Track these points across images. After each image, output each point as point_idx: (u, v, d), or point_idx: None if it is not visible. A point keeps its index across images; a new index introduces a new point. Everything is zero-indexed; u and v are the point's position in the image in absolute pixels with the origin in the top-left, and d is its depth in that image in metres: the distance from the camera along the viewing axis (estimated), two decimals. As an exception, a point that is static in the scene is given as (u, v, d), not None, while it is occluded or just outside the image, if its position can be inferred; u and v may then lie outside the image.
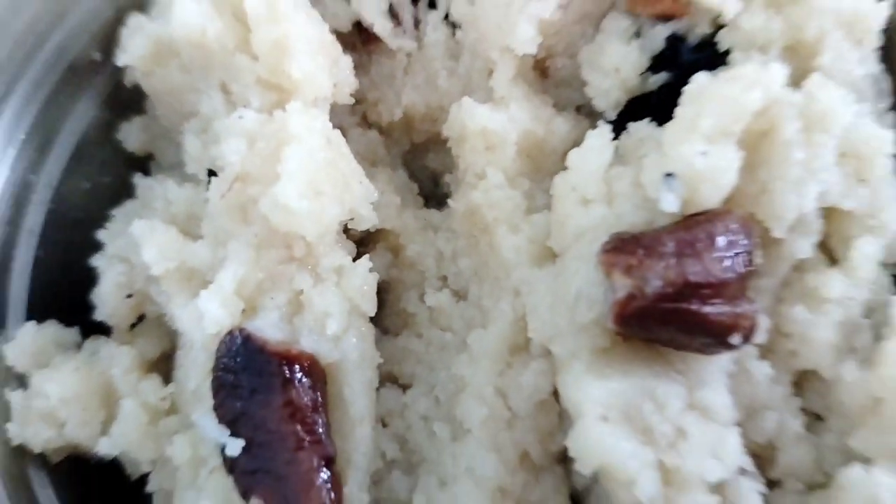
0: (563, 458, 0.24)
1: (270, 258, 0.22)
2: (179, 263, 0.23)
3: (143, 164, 0.30)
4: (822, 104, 0.21)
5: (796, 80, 0.23)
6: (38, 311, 0.28)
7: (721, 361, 0.22)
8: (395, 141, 0.28)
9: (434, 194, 0.29)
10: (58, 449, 0.26)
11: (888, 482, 0.21)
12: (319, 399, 0.22)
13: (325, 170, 0.23)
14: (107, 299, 0.26)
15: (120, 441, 0.25)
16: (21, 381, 0.27)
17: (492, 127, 0.25)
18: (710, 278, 0.20)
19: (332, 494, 0.21)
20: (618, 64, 0.25)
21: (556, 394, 0.24)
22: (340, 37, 0.28)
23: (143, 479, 0.27)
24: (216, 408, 0.22)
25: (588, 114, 0.28)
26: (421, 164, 0.30)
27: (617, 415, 0.20)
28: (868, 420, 0.22)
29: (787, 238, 0.22)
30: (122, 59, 0.27)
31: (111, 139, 0.29)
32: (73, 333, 0.28)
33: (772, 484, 0.24)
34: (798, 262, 0.23)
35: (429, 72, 0.27)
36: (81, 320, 0.28)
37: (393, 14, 0.26)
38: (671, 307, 0.20)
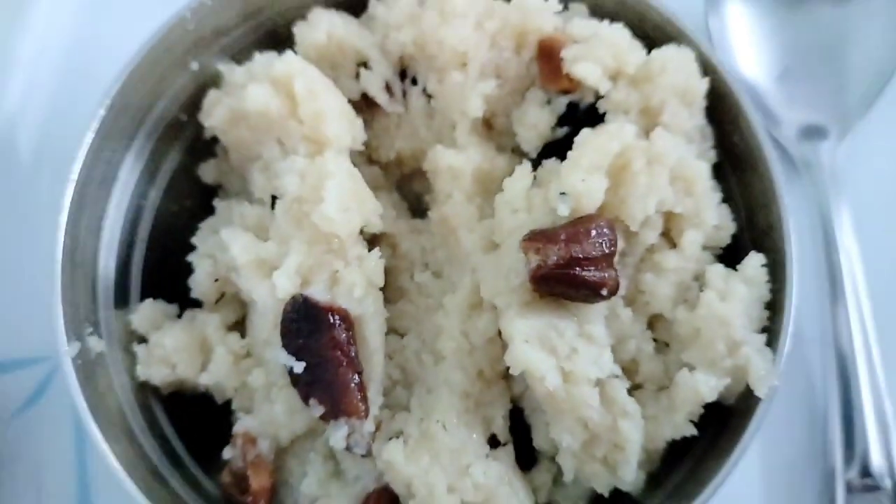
0: (506, 375, 0.33)
1: (317, 251, 0.32)
2: (255, 256, 0.33)
3: (214, 192, 0.40)
4: (659, 147, 0.32)
5: (647, 131, 0.34)
6: (149, 294, 0.38)
7: (599, 308, 0.32)
8: (390, 173, 0.38)
9: (418, 209, 0.39)
10: (169, 384, 0.35)
11: (704, 378, 0.31)
12: (350, 337, 0.31)
13: (350, 194, 0.33)
14: (200, 283, 0.35)
15: (214, 376, 0.34)
16: (142, 340, 0.36)
17: (455, 164, 0.35)
18: (587, 255, 0.30)
19: (360, 394, 0.31)
20: (536, 122, 0.35)
21: (499, 333, 0.33)
22: (353, 104, 0.38)
23: (227, 404, 0.36)
24: (284, 345, 0.31)
25: (518, 154, 0.37)
26: (409, 189, 0.39)
27: (534, 340, 0.30)
28: (692, 343, 0.32)
29: (640, 231, 0.33)
30: (206, 122, 0.37)
31: (193, 175, 0.39)
32: (174, 308, 0.37)
33: (635, 387, 0.33)
34: (649, 246, 0.33)
35: (413, 127, 0.37)
36: (179, 300, 0.38)
37: (388, 89, 0.36)
38: (563, 272, 0.30)
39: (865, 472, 0.37)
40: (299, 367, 0.30)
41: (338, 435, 0.30)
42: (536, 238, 0.31)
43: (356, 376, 0.31)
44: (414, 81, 0.37)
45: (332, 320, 0.31)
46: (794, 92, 0.42)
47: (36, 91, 0.44)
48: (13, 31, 0.46)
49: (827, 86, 0.43)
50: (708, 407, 0.33)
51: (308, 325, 0.30)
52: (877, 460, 0.37)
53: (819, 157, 0.41)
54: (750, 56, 0.43)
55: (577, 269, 0.30)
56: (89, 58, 0.44)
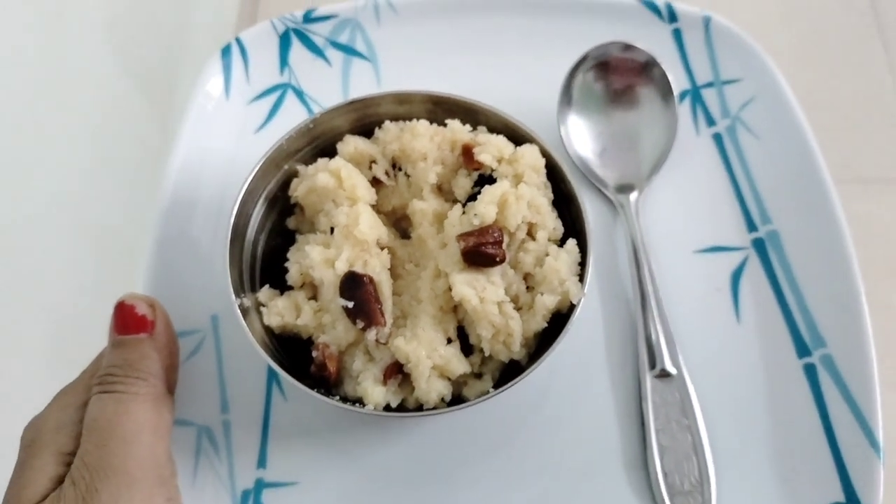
0: (454, 309, 0.48)
1: (356, 251, 0.47)
2: (323, 257, 0.48)
3: (293, 234, 0.56)
4: (522, 191, 0.46)
5: (517, 185, 0.50)
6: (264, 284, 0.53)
7: (497, 269, 0.49)
8: (389, 218, 0.54)
9: (407, 235, 0.55)
10: (279, 326, 0.47)
11: (549, 297, 0.49)
12: (374, 288, 0.47)
13: (372, 222, 0.49)
14: (292, 276, 0.50)
15: (304, 320, 0.47)
16: (263, 307, 0.51)
17: (423, 208, 0.49)
18: (487, 241, 0.45)
19: (381, 314, 0.47)
20: (463, 185, 0.53)
21: (449, 289, 0.49)
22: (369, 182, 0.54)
23: (309, 343, 0.51)
24: (341, 295, 0.46)
25: (455, 202, 0.54)
26: (399, 226, 0.56)
27: (465, 284, 0.45)
28: (542, 283, 0.50)
29: (516, 233, 0.50)
30: (293, 194, 0.54)
31: (283, 225, 0.55)
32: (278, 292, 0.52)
33: (517, 308, 0.50)
34: (520, 240, 0.51)
35: (400, 192, 0.54)
36: (281, 290, 0.53)
37: (386, 174, 0.53)
38: (476, 250, 0.45)
39: (662, 372, 0.55)
40: (350, 304, 0.47)
41: (371, 334, 0.47)
42: (463, 236, 0.49)
43: (378, 306, 0.48)
44: (400, 169, 0.55)
45: (365, 280, 0.47)
46: (609, 163, 0.62)
47: (195, 163, 0.61)
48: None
49: (628, 162, 0.62)
50: (553, 319, 0.50)
51: (353, 284, 0.47)
52: (668, 365, 0.55)
53: (629, 202, 0.60)
54: (583, 144, 0.62)
55: (483, 248, 0.48)
56: (237, 165, 0.60)
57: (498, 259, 0.49)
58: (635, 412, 0.54)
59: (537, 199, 0.51)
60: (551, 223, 0.52)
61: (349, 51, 0.63)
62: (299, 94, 0.62)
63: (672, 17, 0.62)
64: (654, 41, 0.63)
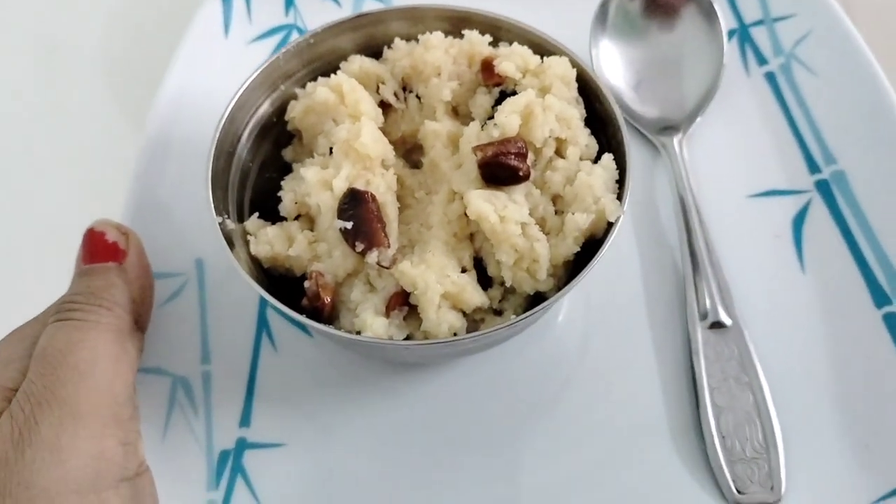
0: (470, 237, 0.45)
1: (357, 168, 0.43)
2: (321, 178, 0.43)
3: (290, 166, 0.51)
4: (549, 102, 0.43)
5: (543, 95, 0.46)
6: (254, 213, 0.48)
7: (520, 187, 0.44)
8: (398, 147, 0.50)
9: (419, 164, 0.50)
10: (268, 258, 0.44)
11: (581, 216, 0.43)
12: (377, 206, 0.42)
13: (376, 136, 0.45)
14: (285, 206, 0.46)
15: (296, 250, 0.43)
16: (251, 236, 0.46)
17: (437, 129, 0.46)
18: (509, 151, 0.42)
19: (384, 234, 0.41)
20: (482, 103, 0.48)
21: (465, 213, 0.44)
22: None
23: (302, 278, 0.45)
24: (339, 216, 0.41)
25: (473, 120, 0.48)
26: (409, 157, 0.51)
27: (482, 200, 0.41)
28: (573, 202, 0.44)
29: (543, 148, 0.44)
30: (289, 115, 0.49)
31: (278, 156, 0.51)
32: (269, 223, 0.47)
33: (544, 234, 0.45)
34: (548, 158, 0.46)
35: (410, 116, 0.49)
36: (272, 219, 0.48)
37: (395, 95, 0.49)
38: (495, 160, 0.41)
39: (716, 323, 0.50)
40: (348, 225, 0.42)
41: (372, 256, 0.42)
42: (481, 146, 0.44)
43: (381, 226, 0.43)
44: (410, 91, 0.51)
45: (367, 197, 0.43)
46: (648, 98, 0.58)
47: (185, 101, 0.58)
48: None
49: (673, 96, 0.58)
50: (586, 247, 0.45)
51: (353, 202, 0.42)
52: (722, 315, 0.50)
53: (672, 145, 0.56)
54: (617, 73, 0.58)
55: (504, 158, 0.43)
56: (220, 85, 0.52)
57: (521, 173, 0.44)
58: (685, 368, 0.49)
59: (567, 111, 0.46)
60: (584, 139, 0.47)
61: (361, -11, 0.58)
62: (304, 36, 0.56)
63: (716, -50, 0.56)
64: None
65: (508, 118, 0.45)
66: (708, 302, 0.50)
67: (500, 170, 0.44)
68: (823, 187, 0.55)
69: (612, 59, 0.58)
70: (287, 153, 0.52)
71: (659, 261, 0.52)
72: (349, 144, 0.45)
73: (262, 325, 0.50)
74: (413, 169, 0.51)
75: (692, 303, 0.50)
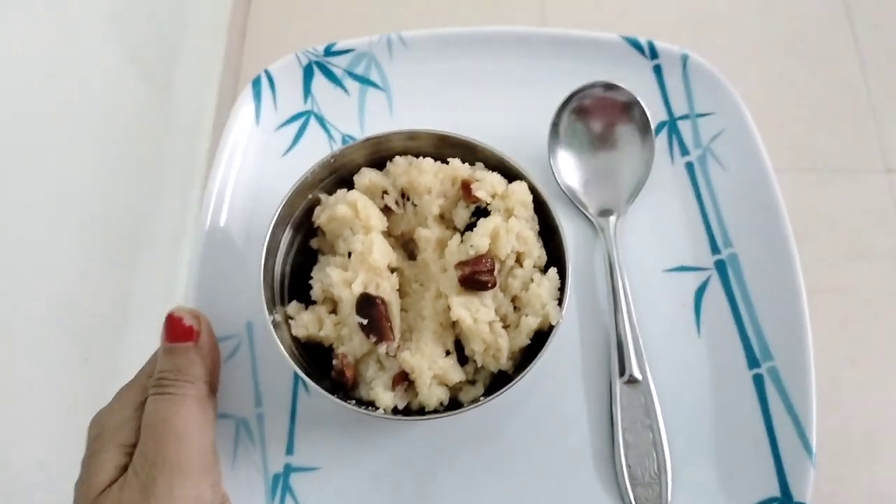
0: (452, 325, 0.56)
1: (370, 275, 0.54)
2: (342, 278, 0.54)
3: (317, 253, 0.62)
4: (511, 225, 0.54)
5: (508, 219, 0.55)
6: (293, 299, 0.59)
7: (489, 293, 0.54)
8: (398, 241, 0.60)
9: (413, 255, 0.61)
10: (305, 336, 0.56)
11: (532, 318, 0.61)
12: (385, 308, 0.52)
13: (384, 250, 0.54)
14: (316, 293, 0.56)
15: (325, 332, 0.49)
16: (291, 318, 0.57)
17: (427, 235, 0.55)
18: (481, 270, 0.53)
19: (391, 331, 0.52)
20: (462, 215, 0.58)
21: (448, 308, 0.55)
22: (380, 210, 0.60)
23: (330, 350, 0.57)
24: (357, 313, 0.50)
25: (455, 230, 0.56)
26: (409, 249, 0.61)
27: (462, 306, 0.53)
28: (527, 306, 0.55)
29: (506, 260, 0.55)
30: (316, 220, 0.59)
31: (307, 245, 0.61)
32: (303, 306, 0.59)
33: (505, 326, 0.56)
34: (509, 267, 0.56)
35: (408, 219, 0.59)
36: (306, 303, 0.59)
37: (396, 203, 0.58)
38: (471, 277, 0.53)
39: (631, 378, 0.60)
40: (364, 321, 0.53)
41: (382, 348, 0.53)
42: (460, 265, 0.54)
43: (389, 325, 0.53)
44: (408, 199, 0.60)
45: (377, 302, 0.53)
46: (592, 192, 0.68)
47: (230, 188, 0.68)
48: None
49: (610, 190, 0.67)
50: (536, 337, 0.56)
51: (367, 304, 0.53)
52: (636, 372, 0.61)
53: (608, 225, 0.65)
54: (570, 175, 0.68)
55: (477, 275, 0.54)
56: (266, 185, 0.68)
57: (490, 285, 0.56)
58: (606, 414, 0.61)
59: (524, 231, 0.57)
60: (536, 252, 0.58)
61: (365, 81, 0.71)
62: (320, 119, 0.70)
63: (653, 53, 0.70)
64: (636, 76, 0.68)
65: (481, 240, 0.55)
66: (626, 361, 0.63)
67: (474, 284, 0.58)
68: (721, 266, 0.65)
69: (565, 164, 0.66)
70: (314, 243, 0.62)
71: (592, 323, 0.65)
72: (364, 257, 0.56)
73: (299, 376, 0.66)
74: (411, 260, 0.61)
75: (615, 362, 0.61)
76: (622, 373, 0.62)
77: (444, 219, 0.62)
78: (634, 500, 0.58)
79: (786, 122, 1.22)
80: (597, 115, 0.73)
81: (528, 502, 0.57)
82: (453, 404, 0.57)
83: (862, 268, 1.14)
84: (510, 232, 0.57)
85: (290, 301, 0.61)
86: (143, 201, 0.93)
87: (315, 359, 0.58)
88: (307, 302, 0.60)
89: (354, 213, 0.59)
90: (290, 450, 0.59)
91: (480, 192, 0.59)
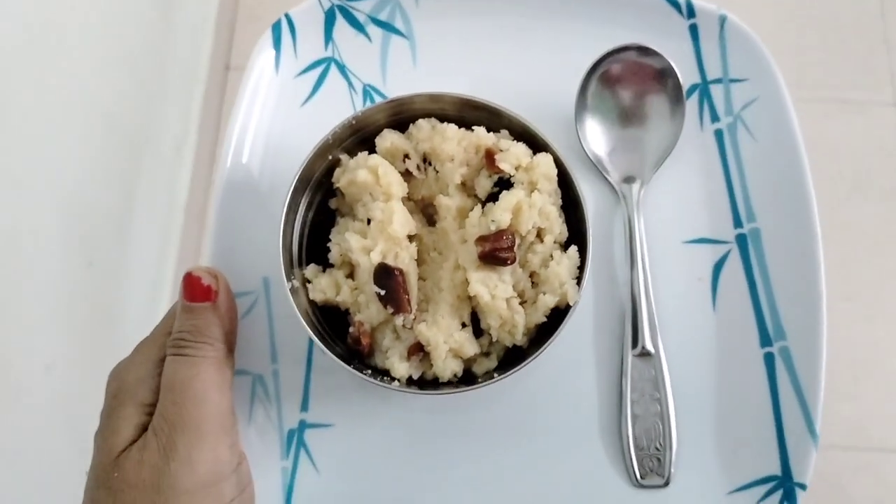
0: (469, 297, 0.56)
1: (389, 244, 0.53)
2: (361, 245, 0.53)
3: (335, 212, 0.61)
4: (534, 200, 0.54)
5: (530, 192, 0.55)
6: (311, 261, 0.58)
7: (508, 269, 0.54)
8: (417, 206, 0.59)
9: (433, 221, 0.60)
10: (322, 301, 0.56)
11: (550, 297, 0.65)
12: (403, 279, 0.51)
13: (404, 219, 0.53)
14: (333, 256, 0.56)
15: (343, 297, 0.56)
16: (308, 281, 0.57)
17: (448, 203, 0.55)
18: (501, 246, 0.53)
19: (408, 303, 0.52)
20: (484, 185, 0.58)
21: (467, 280, 0.55)
22: (401, 174, 0.59)
23: (346, 313, 0.58)
24: (375, 283, 0.53)
25: (477, 199, 0.60)
26: (427, 213, 0.61)
27: (480, 281, 0.53)
28: (545, 283, 0.55)
29: (526, 236, 0.55)
30: (336, 183, 0.58)
31: (326, 205, 0.61)
32: (321, 268, 0.58)
33: (522, 302, 0.56)
34: (529, 243, 0.56)
35: (429, 185, 0.58)
36: (323, 264, 0.59)
37: (418, 167, 0.57)
38: (491, 253, 0.53)
39: (643, 351, 0.62)
40: (381, 291, 0.53)
41: (398, 319, 0.53)
42: (480, 240, 0.54)
43: (406, 295, 0.53)
44: (430, 164, 0.60)
45: (395, 273, 0.53)
46: (618, 160, 0.67)
47: (249, 137, 0.68)
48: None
49: (635, 158, 0.66)
50: (552, 314, 0.57)
51: (385, 274, 0.53)
52: (648, 345, 0.62)
53: (631, 193, 0.65)
54: (596, 142, 0.67)
55: (498, 252, 0.54)
56: (286, 137, 0.68)
57: (509, 262, 0.55)
58: (615, 384, 0.62)
59: (547, 206, 0.56)
60: (557, 228, 0.57)
61: (389, 27, 0.69)
62: (341, 68, 0.68)
63: (690, 12, 0.68)
64: (671, 35, 0.67)
65: (503, 215, 0.55)
66: (640, 334, 0.63)
67: (494, 259, 0.59)
68: (741, 241, 0.65)
69: (592, 132, 0.66)
70: (332, 203, 0.62)
71: (608, 293, 0.65)
72: (383, 226, 0.56)
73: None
74: (430, 226, 0.61)
75: (628, 334, 0.62)
76: (634, 345, 0.62)
77: (466, 187, 0.61)
78: (638, 470, 0.59)
79: (792, 47, 1.17)
80: (627, 82, 0.72)
81: (536, 470, 0.59)
82: (467, 375, 0.57)
83: (863, 205, 1.13)
84: (533, 207, 0.57)
85: (307, 262, 0.61)
86: (145, 105, 0.92)
87: (331, 320, 0.59)
88: (325, 264, 0.60)
89: (375, 178, 0.58)
90: (304, 406, 0.60)
91: (504, 164, 0.58)
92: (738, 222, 0.64)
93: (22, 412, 0.71)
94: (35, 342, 0.75)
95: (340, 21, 0.74)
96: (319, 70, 0.74)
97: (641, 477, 0.59)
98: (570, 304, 0.56)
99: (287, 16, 0.74)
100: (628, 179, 0.66)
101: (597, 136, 0.65)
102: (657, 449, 0.60)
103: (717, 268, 0.64)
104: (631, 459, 0.59)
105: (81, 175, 0.84)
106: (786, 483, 0.56)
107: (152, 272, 0.96)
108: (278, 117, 0.61)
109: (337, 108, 0.63)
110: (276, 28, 0.74)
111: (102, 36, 0.82)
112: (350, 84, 0.66)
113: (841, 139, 1.16)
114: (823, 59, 1.18)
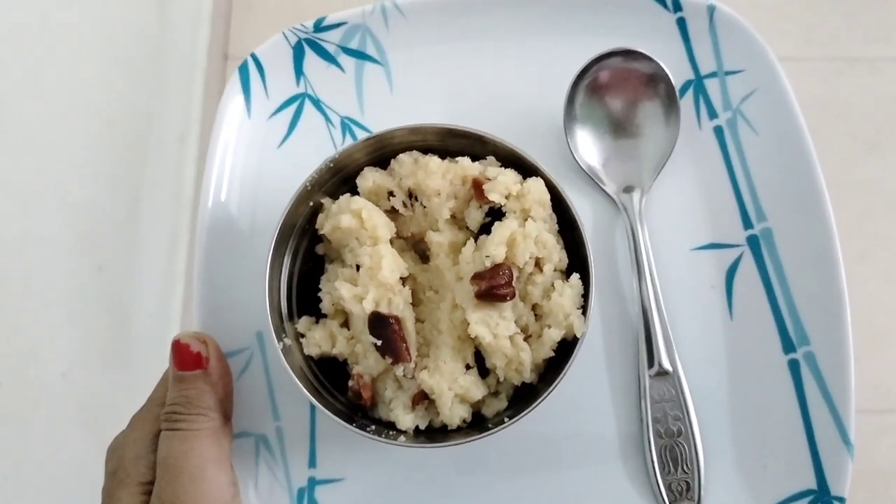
0: (470, 338, 0.54)
1: (381, 290, 0.50)
2: (352, 294, 0.51)
3: (323, 259, 0.59)
4: (529, 229, 0.52)
5: (524, 220, 0.53)
6: (302, 313, 0.57)
7: (508, 304, 0.52)
8: (408, 243, 0.57)
9: (426, 257, 0.58)
10: (318, 354, 0.55)
11: (555, 331, 0.60)
12: (399, 326, 0.50)
13: (393, 263, 0.51)
14: (325, 306, 0.54)
15: (339, 349, 0.54)
16: (301, 335, 0.56)
17: (439, 240, 0.56)
18: (499, 282, 0.51)
19: (406, 351, 0.50)
20: (475, 216, 0.56)
21: (466, 319, 0.53)
22: (386, 213, 0.52)
23: (344, 363, 0.56)
24: (370, 333, 0.51)
25: (468, 231, 0.59)
26: (419, 249, 0.59)
27: (480, 321, 0.52)
28: (549, 316, 0.54)
29: (524, 268, 0.53)
30: (320, 229, 0.56)
31: (313, 251, 0.58)
32: (313, 319, 0.57)
33: (526, 337, 0.55)
34: (528, 274, 0.54)
35: (417, 221, 0.55)
36: (316, 315, 0.58)
37: (403, 204, 0.55)
38: (488, 291, 0.51)
39: (660, 370, 0.60)
40: (378, 341, 0.52)
41: (398, 369, 0.52)
42: (475, 278, 0.53)
43: (404, 343, 0.52)
44: (416, 199, 0.58)
45: (390, 321, 0.52)
46: (613, 171, 0.65)
47: (226, 188, 0.65)
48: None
49: (632, 165, 0.64)
50: (560, 346, 0.55)
51: (380, 323, 0.52)
52: (665, 363, 0.60)
53: (632, 203, 0.63)
54: (589, 154, 0.64)
55: (495, 289, 0.52)
56: (264, 181, 0.66)
57: (508, 297, 0.53)
58: (634, 405, 0.60)
59: (543, 234, 0.55)
60: (556, 255, 0.56)
61: (361, 55, 0.66)
62: (316, 102, 0.65)
63: (677, 6, 0.64)
64: (658, 32, 0.64)
65: (497, 249, 0.54)
66: (655, 353, 0.61)
67: (492, 297, 0.56)
68: (753, 242, 0.63)
69: (584, 143, 0.64)
70: (319, 248, 0.61)
71: (616, 310, 0.63)
72: (373, 272, 0.54)
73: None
74: (423, 264, 0.59)
75: (643, 353, 0.60)
76: (651, 364, 0.61)
77: (456, 220, 0.60)
78: (667, 496, 0.56)
79: (801, 4, 1.13)
80: (616, 88, 0.68)
81: (551, 493, 0.59)
82: (477, 417, 0.54)
83: (877, 162, 1.09)
84: (528, 237, 0.55)
85: (299, 314, 0.60)
86: (145, 102, 0.95)
87: (332, 369, 0.58)
88: (317, 314, 0.59)
89: (360, 222, 0.56)
90: (312, 462, 0.58)
91: (493, 195, 0.57)
92: (747, 223, 0.61)
93: (42, 422, 0.72)
94: (50, 351, 0.75)
95: (310, 54, 0.71)
96: (294, 107, 0.71)
97: (671, 503, 0.55)
98: (577, 335, 0.53)
99: (253, 55, 0.70)
100: (627, 189, 0.64)
101: (589, 147, 0.62)
102: (685, 472, 0.57)
103: (730, 273, 0.61)
104: (658, 485, 0.56)
105: (86, 179, 0.83)
106: (823, 497, 0.53)
107: (162, 272, 0.95)
108: (253, 162, 0.59)
109: (316, 144, 0.60)
110: (244, 70, 0.70)
111: (100, 36, 0.81)
112: (327, 118, 0.63)
113: (853, 97, 1.12)
114: (833, 16, 1.13)
